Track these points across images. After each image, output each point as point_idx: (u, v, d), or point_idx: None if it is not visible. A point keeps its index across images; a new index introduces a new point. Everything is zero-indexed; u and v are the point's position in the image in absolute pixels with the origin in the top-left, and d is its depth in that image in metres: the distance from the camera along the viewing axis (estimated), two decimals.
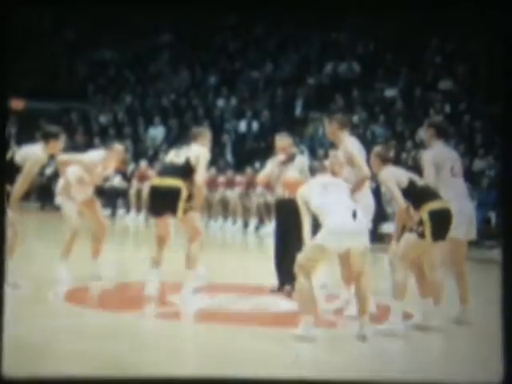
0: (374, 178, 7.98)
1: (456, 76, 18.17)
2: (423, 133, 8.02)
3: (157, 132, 20.77)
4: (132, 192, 17.74)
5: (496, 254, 12.27)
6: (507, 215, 4.75)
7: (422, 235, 7.14)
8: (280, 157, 8.93)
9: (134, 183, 17.90)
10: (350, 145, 7.88)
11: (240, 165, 17.78)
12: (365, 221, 7.02)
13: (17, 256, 7.93)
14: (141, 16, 19.50)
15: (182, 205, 7.98)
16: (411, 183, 7.32)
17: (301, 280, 6.78)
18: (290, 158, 8.89)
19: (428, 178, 7.58)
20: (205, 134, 8.57)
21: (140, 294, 8.21)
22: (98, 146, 16.89)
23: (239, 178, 16.97)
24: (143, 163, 18.37)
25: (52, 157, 9.11)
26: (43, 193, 18.79)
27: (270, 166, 9.11)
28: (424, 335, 7.17)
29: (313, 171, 7.35)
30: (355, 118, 18.01)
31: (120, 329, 7.10)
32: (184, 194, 7.99)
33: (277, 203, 9.10)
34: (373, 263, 7.72)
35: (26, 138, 9.05)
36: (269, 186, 16.10)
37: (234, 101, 20.87)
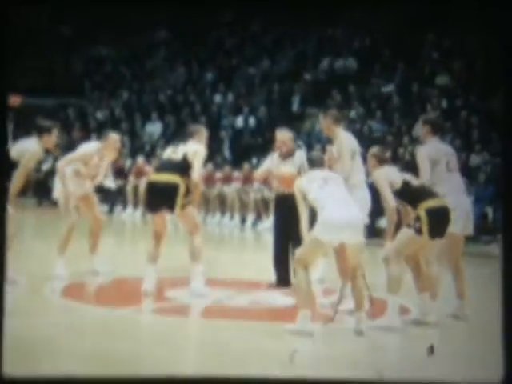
0: (369, 174, 8.01)
1: (453, 71, 18.16)
2: (419, 129, 8.03)
3: (154, 128, 20.76)
4: (129, 188, 17.73)
5: (493, 248, 12.30)
6: (506, 210, 4.75)
7: (419, 231, 7.15)
8: (280, 150, 8.95)
9: (131, 179, 17.90)
10: (345, 143, 7.91)
11: (237, 160, 17.78)
12: (361, 215, 7.04)
13: (13, 252, 7.92)
14: (137, 12, 19.47)
15: (179, 200, 8.00)
16: (405, 184, 7.35)
17: (299, 274, 6.81)
18: (290, 153, 8.91)
19: (424, 175, 7.60)
20: (201, 132, 8.65)
21: (137, 290, 8.21)
22: None
23: (236, 174, 16.97)
24: (140, 159, 18.36)
25: (48, 152, 9.12)
26: (40, 188, 18.79)
27: (269, 162, 9.13)
28: (421, 330, 7.18)
29: (311, 162, 7.35)
30: (352, 114, 18.02)
31: (118, 324, 7.10)
32: (182, 189, 8.02)
33: (276, 198, 9.13)
34: (370, 258, 7.73)
35: (22, 134, 9.03)
36: (266, 182, 16.14)
37: (230, 97, 20.86)
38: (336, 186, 7.07)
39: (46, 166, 19.16)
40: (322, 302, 7.92)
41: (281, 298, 8.38)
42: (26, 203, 17.73)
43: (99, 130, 20.63)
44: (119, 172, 17.47)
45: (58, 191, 9.33)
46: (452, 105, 17.16)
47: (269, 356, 6.17)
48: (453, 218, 7.30)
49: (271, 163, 9.07)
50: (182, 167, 8.14)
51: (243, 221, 16.38)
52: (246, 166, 16.88)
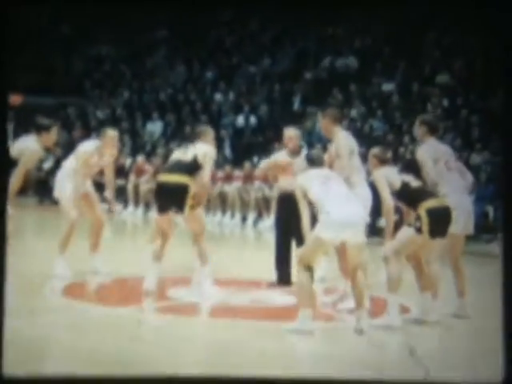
0: (370, 173, 8.02)
1: (453, 70, 18.16)
2: (416, 130, 8.04)
3: (155, 127, 20.76)
4: (129, 187, 17.74)
5: (494, 247, 12.30)
6: (507, 209, 4.75)
7: (419, 230, 7.16)
8: (288, 147, 8.98)
9: (132, 178, 17.90)
10: (343, 143, 7.92)
11: (238, 159, 17.79)
12: (363, 214, 7.03)
13: (13, 251, 7.92)
14: (137, 11, 19.47)
15: (189, 201, 8.05)
16: (405, 185, 7.36)
17: (301, 273, 6.81)
18: (297, 150, 8.94)
19: (430, 173, 7.60)
20: (208, 132, 8.67)
21: (138, 289, 8.21)
22: None
23: (237, 173, 16.97)
24: (140, 158, 18.37)
25: (48, 151, 9.13)
26: (41, 187, 18.81)
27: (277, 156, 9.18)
28: (422, 329, 7.18)
29: (310, 160, 7.35)
30: (353, 112, 18.03)
31: (119, 323, 7.10)
32: (191, 190, 8.06)
33: (279, 197, 9.16)
34: (370, 257, 7.74)
35: (23, 133, 9.03)
36: (267, 180, 16.14)
37: (231, 95, 20.86)
38: (338, 184, 7.07)
39: (47, 165, 19.18)
40: (323, 301, 7.93)
41: (281, 297, 8.39)
42: (27, 202, 17.75)
43: (100, 129, 20.63)
44: (120, 171, 17.47)
45: (58, 190, 9.33)
46: (452, 104, 17.17)
47: (269, 355, 6.17)
48: (454, 218, 7.30)
49: (279, 156, 9.16)
50: (192, 168, 8.18)
51: (244, 219, 16.39)
52: (246, 164, 16.88)
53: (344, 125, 17.35)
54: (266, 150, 16.47)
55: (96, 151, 9.30)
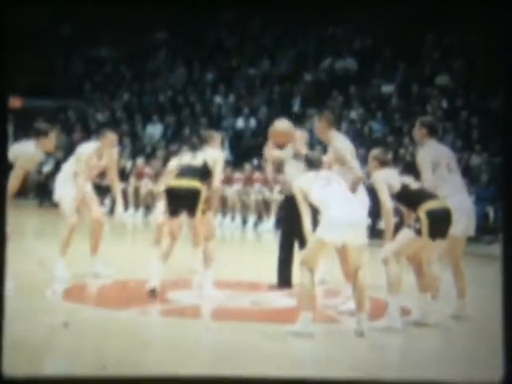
0: (369, 176, 8.00)
1: (453, 71, 18.16)
2: (415, 132, 8.02)
3: (155, 129, 20.76)
4: (130, 189, 17.73)
5: (494, 248, 12.28)
6: (507, 210, 4.74)
7: (419, 232, 7.15)
8: (295, 147, 8.95)
9: (132, 181, 17.90)
10: (340, 146, 7.90)
11: (238, 161, 17.78)
12: (364, 216, 7.02)
13: (13, 253, 7.91)
14: (137, 13, 19.48)
15: (200, 206, 8.11)
16: (404, 187, 7.36)
17: (305, 276, 6.79)
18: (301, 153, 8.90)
19: (427, 178, 7.59)
20: (216, 137, 8.75)
21: (139, 292, 8.21)
22: None
23: (237, 175, 16.97)
24: (140, 160, 18.37)
25: (49, 154, 9.12)
26: (41, 190, 18.84)
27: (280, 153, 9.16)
28: (422, 331, 7.17)
29: (309, 162, 7.33)
30: (353, 114, 18.02)
31: (119, 326, 7.09)
32: (203, 195, 8.14)
33: (284, 199, 9.16)
34: (370, 259, 7.73)
35: (23, 135, 9.03)
36: (267, 183, 16.14)
37: (231, 98, 20.86)
38: (339, 186, 7.06)
39: (46, 168, 19.18)
40: (324, 303, 7.92)
41: (282, 300, 8.38)
42: (27, 205, 17.76)
43: (100, 132, 20.63)
44: (120, 173, 17.43)
45: (58, 193, 9.32)
46: (452, 105, 17.16)
47: (269, 357, 6.16)
48: (455, 219, 7.29)
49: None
50: (203, 173, 8.28)
51: (244, 222, 16.38)
52: (246, 167, 16.88)
53: (344, 126, 17.42)
54: None
55: (95, 153, 9.31)
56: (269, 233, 15.59)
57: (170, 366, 5.77)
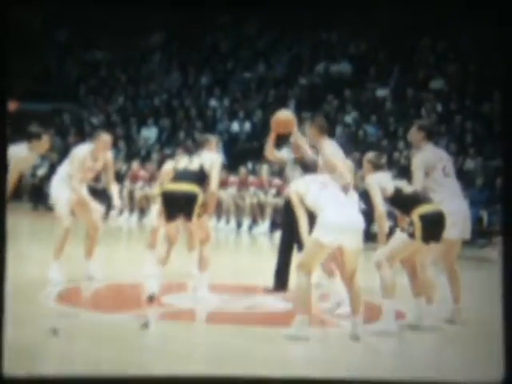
0: (363, 179, 8.00)
1: (447, 75, 18.21)
2: (411, 135, 8.03)
3: (149, 132, 20.76)
4: (124, 193, 17.72)
5: (488, 252, 12.31)
6: (506, 212, 4.76)
7: (412, 236, 7.17)
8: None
9: (127, 184, 17.89)
10: (330, 152, 7.87)
11: (233, 165, 17.77)
12: (361, 219, 7.03)
13: (8, 256, 7.90)
14: (132, 16, 19.48)
15: (197, 210, 8.12)
16: (398, 191, 7.37)
17: (301, 279, 6.79)
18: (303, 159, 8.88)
19: (416, 183, 7.62)
20: (211, 141, 8.78)
21: (133, 295, 8.21)
22: None
23: (232, 178, 16.98)
24: (135, 164, 18.36)
25: (42, 156, 9.11)
26: (35, 193, 18.81)
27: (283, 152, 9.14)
28: (417, 335, 7.18)
29: (304, 166, 7.35)
30: (347, 118, 18.05)
31: (114, 330, 7.09)
32: (200, 199, 8.13)
33: (285, 204, 9.14)
34: (365, 262, 7.74)
35: (18, 139, 9.02)
36: (262, 186, 16.15)
37: (226, 101, 20.87)
38: (336, 189, 7.07)
39: (40, 172, 19.16)
40: (319, 307, 7.93)
41: (277, 303, 8.39)
42: (21, 207, 17.73)
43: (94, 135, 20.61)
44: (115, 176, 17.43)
45: (53, 196, 9.32)
46: (447, 109, 17.20)
47: (264, 361, 6.17)
48: (450, 223, 7.31)
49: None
50: (200, 177, 8.29)
51: (239, 225, 16.39)
52: (241, 170, 16.89)
53: (338, 130, 17.43)
54: (260, 155, 16.45)
55: (90, 154, 9.30)
56: (263, 236, 15.60)
57: (165, 369, 5.77)
